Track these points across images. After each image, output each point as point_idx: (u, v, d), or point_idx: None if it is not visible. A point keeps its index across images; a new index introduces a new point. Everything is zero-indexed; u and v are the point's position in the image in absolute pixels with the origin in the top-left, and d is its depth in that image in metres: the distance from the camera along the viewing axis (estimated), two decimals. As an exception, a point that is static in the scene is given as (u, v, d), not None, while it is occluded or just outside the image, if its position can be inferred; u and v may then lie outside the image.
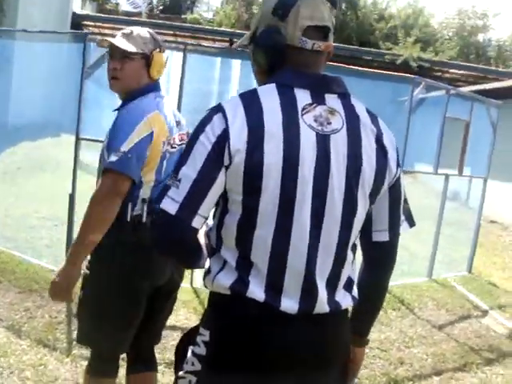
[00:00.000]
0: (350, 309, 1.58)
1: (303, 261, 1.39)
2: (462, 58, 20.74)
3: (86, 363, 2.48)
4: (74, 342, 3.33)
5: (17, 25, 10.44)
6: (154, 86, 2.29)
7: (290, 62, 1.45)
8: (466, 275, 6.73)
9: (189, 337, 1.53)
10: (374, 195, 1.47)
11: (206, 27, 19.38)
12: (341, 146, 1.40)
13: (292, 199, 1.36)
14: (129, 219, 2.17)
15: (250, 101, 1.39)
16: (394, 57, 17.27)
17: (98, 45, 2.43)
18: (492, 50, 22.80)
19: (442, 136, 6.08)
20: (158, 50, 2.28)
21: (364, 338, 1.69)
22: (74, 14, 16.04)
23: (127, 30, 2.27)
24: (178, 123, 2.33)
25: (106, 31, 15.48)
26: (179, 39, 14.82)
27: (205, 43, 13.20)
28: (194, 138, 1.38)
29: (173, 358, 1.68)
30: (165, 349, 3.42)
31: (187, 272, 4.29)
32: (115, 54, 2.23)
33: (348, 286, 1.50)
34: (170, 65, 4.90)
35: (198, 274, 1.51)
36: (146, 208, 2.18)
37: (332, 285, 1.45)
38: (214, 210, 1.45)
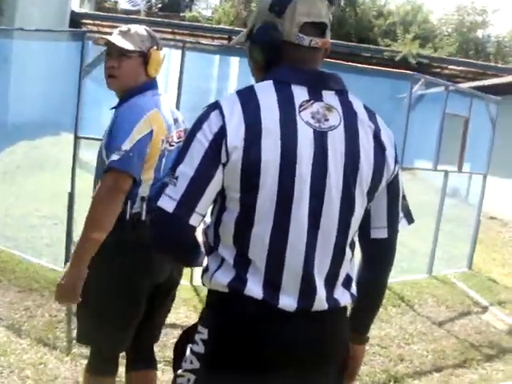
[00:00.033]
0: (349, 306, 1.58)
1: (301, 258, 1.38)
2: (461, 54, 20.72)
3: (85, 362, 2.48)
4: (74, 341, 3.32)
5: (15, 24, 10.42)
6: (151, 84, 2.28)
7: (286, 58, 1.44)
8: (465, 271, 6.73)
9: (187, 335, 1.53)
10: (371, 192, 1.46)
11: (205, 25, 19.36)
12: (338, 142, 1.40)
13: (290, 196, 1.35)
14: (128, 217, 2.17)
15: (247, 98, 1.39)
16: (392, 53, 17.24)
17: (94, 43, 2.41)
18: (491, 46, 22.76)
19: (441, 132, 6.08)
20: (155, 47, 2.26)
21: (364, 336, 1.68)
22: (72, 12, 16.01)
23: (124, 27, 2.26)
24: (176, 121, 2.33)
25: (105, 29, 15.46)
26: (178, 37, 14.84)
27: (203, 41, 13.20)
28: (191, 136, 1.38)
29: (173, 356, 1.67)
30: (165, 347, 3.42)
31: (187, 270, 4.30)
32: (112, 51, 2.22)
33: (347, 284, 1.50)
34: (169, 63, 4.93)
35: (198, 271, 1.53)
36: (145, 206, 2.17)
37: (330, 282, 1.44)
38: (211, 207, 1.44)
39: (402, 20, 20.11)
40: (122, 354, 2.48)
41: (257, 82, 1.50)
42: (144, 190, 2.18)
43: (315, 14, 1.45)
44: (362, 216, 1.48)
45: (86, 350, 2.90)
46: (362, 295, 1.56)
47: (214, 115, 1.36)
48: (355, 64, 6.21)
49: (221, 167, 1.34)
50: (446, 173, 6.50)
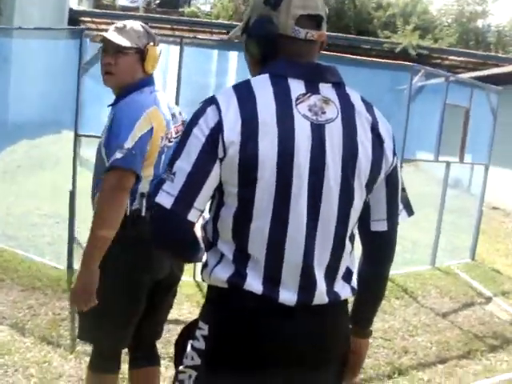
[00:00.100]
0: (350, 300, 1.57)
1: (300, 252, 1.38)
2: (462, 44, 20.63)
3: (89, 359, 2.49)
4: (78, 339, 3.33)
5: (14, 23, 10.41)
6: (148, 81, 2.27)
7: (283, 51, 1.43)
8: (469, 262, 6.72)
9: (188, 331, 1.53)
10: (370, 185, 1.45)
11: (204, 20, 19.31)
12: (336, 135, 1.39)
13: (288, 190, 1.35)
14: (128, 214, 2.16)
15: (244, 92, 1.38)
16: (392, 45, 17.20)
17: (91, 40, 2.40)
18: (491, 35, 22.66)
19: (442, 123, 6.07)
20: (151, 43, 2.25)
21: (367, 329, 1.67)
22: (70, 10, 15.99)
23: (120, 23, 2.25)
24: (173, 116, 2.32)
25: (104, 27, 15.43)
26: (177, 33, 14.80)
27: (202, 36, 13.16)
28: (187, 131, 1.37)
29: (177, 352, 1.67)
30: (168, 343, 3.42)
31: (189, 266, 4.30)
32: (109, 48, 2.21)
33: (347, 277, 1.49)
34: (168, 58, 4.91)
35: (200, 267, 1.53)
36: (144, 202, 2.17)
37: (330, 275, 1.44)
38: (210, 202, 1.44)
39: (402, 11, 20.04)
40: (125, 350, 2.48)
41: (253, 76, 1.49)
42: (144, 187, 2.17)
43: (311, 6, 1.44)
44: (361, 208, 1.47)
45: (90, 348, 2.90)
46: (363, 288, 1.56)
47: (211, 110, 1.35)
48: (354, 56, 6.19)
49: (218, 162, 1.34)
50: (448, 164, 6.48)
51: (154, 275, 2.28)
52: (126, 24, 2.25)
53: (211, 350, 1.42)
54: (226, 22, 18.33)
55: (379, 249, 1.59)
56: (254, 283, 1.37)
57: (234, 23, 16.54)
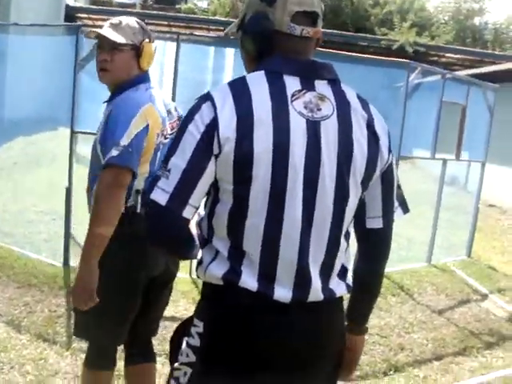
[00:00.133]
0: (346, 297, 1.57)
1: (295, 249, 1.38)
2: (459, 42, 20.66)
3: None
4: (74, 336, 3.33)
5: (10, 19, 10.36)
6: (144, 77, 2.26)
7: (278, 48, 1.43)
8: (465, 259, 6.73)
9: (184, 328, 1.52)
10: (365, 182, 1.45)
11: (201, 17, 19.28)
12: (331, 132, 1.39)
13: (283, 187, 1.35)
14: (124, 211, 2.16)
15: (239, 88, 1.38)
16: (389, 42, 17.21)
17: (85, 36, 2.39)
18: (488, 33, 22.69)
19: (438, 121, 6.07)
20: (147, 40, 2.24)
21: (362, 326, 1.67)
22: (67, 6, 15.93)
23: (115, 20, 2.24)
24: (169, 112, 2.31)
25: (100, 23, 15.38)
26: (174, 29, 14.77)
27: (199, 33, 13.14)
28: (182, 128, 1.37)
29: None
30: (164, 340, 3.42)
31: (186, 262, 4.30)
32: (104, 45, 2.19)
33: (342, 274, 1.49)
34: (164, 55, 4.90)
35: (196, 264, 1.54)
36: (139, 199, 2.17)
37: (325, 273, 1.44)
38: (205, 199, 1.43)
39: (399, 8, 20.05)
40: (121, 347, 2.48)
41: (249, 72, 1.49)
42: (139, 184, 2.17)
43: (307, 3, 1.44)
44: (356, 206, 1.47)
45: (86, 345, 2.90)
46: (359, 286, 1.56)
47: (206, 107, 1.35)
48: (350, 53, 6.18)
49: (213, 159, 1.33)
50: (444, 161, 6.49)
51: (149, 272, 2.28)
52: (122, 20, 2.23)
53: (206, 347, 1.42)
54: (222, 19, 18.30)
55: (374, 246, 1.59)
56: (249, 280, 1.37)
57: (231, 20, 16.50)
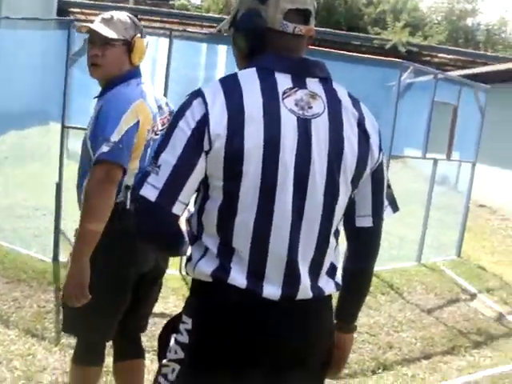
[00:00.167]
0: (335, 296, 1.57)
1: (285, 246, 1.38)
2: (451, 42, 20.74)
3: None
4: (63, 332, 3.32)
5: (2, 12, 10.30)
6: (135, 73, 2.25)
7: (270, 45, 1.43)
8: (454, 259, 6.76)
9: (172, 324, 1.52)
10: (356, 180, 1.45)
11: (194, 13, 19.25)
12: (322, 130, 1.39)
13: (273, 184, 1.35)
14: (113, 206, 2.15)
15: (230, 85, 1.37)
16: (382, 42, 17.27)
17: (77, 31, 2.38)
18: (481, 34, 22.80)
19: (430, 121, 6.09)
20: (139, 35, 2.23)
21: (351, 325, 1.67)
22: (59, 0, 15.86)
23: (107, 14, 2.22)
24: (160, 108, 2.31)
25: (93, 18, 15.31)
26: (166, 25, 14.72)
27: (192, 29, 13.11)
28: (173, 124, 1.36)
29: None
30: (153, 336, 3.40)
31: (176, 259, 4.29)
32: (95, 40, 2.18)
33: (331, 272, 1.49)
34: (157, 51, 4.88)
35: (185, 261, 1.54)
36: (129, 195, 2.16)
37: (315, 271, 1.44)
38: (195, 196, 1.43)
39: (392, 8, 20.10)
40: (110, 343, 2.47)
41: (240, 70, 1.48)
42: (129, 179, 2.16)
43: (299, 0, 1.43)
44: (346, 204, 1.47)
45: (75, 341, 2.90)
46: (347, 284, 1.56)
47: (197, 103, 1.35)
48: (343, 52, 6.18)
49: (203, 155, 1.33)
50: (435, 161, 6.51)
51: (139, 268, 2.27)
52: (113, 15, 2.22)
53: (194, 344, 1.42)
54: (216, 16, 18.29)
55: (364, 244, 1.59)
56: (238, 277, 1.36)
57: (225, 17, 16.45)
